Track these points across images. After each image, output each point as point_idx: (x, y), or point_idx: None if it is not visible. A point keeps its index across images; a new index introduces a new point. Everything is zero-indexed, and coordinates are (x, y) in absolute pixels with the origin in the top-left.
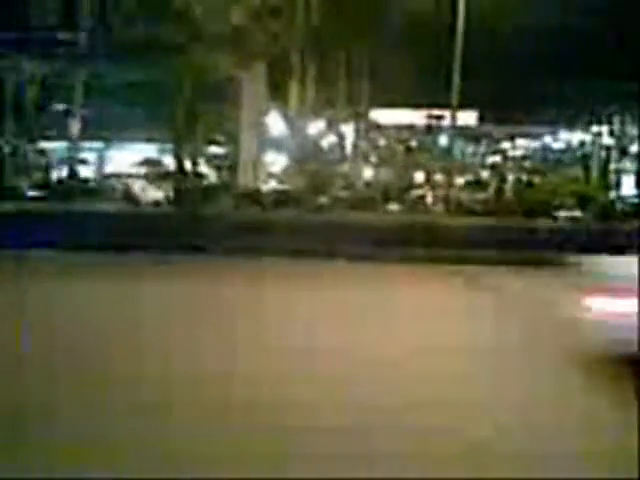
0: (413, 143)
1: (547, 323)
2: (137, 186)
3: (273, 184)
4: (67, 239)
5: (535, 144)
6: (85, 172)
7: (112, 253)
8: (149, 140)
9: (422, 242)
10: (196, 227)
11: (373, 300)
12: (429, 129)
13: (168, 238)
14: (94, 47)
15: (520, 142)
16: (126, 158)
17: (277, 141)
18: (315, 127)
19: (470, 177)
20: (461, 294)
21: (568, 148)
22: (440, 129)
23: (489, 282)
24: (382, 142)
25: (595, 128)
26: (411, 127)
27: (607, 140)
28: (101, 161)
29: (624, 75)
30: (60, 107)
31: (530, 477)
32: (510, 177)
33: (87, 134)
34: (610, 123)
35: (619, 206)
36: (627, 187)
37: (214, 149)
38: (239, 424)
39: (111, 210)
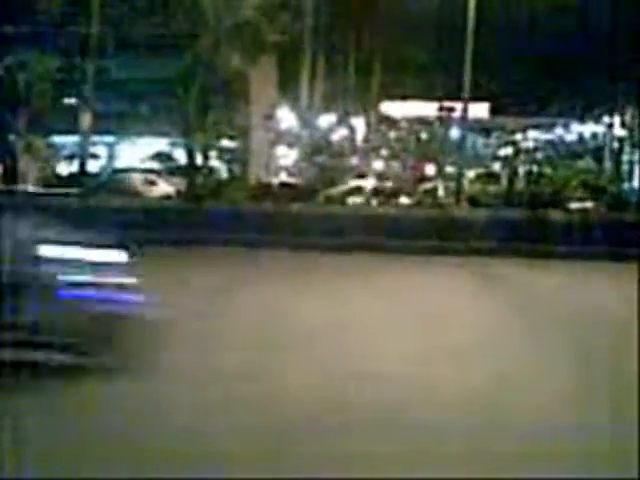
0: (424, 135)
1: None
2: (147, 180)
3: (283, 177)
4: None
5: (547, 136)
6: (95, 166)
7: None
8: (160, 134)
9: (434, 234)
10: (206, 220)
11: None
12: (441, 121)
13: (179, 231)
14: (105, 42)
15: (532, 134)
16: (137, 152)
17: (288, 134)
18: (326, 120)
19: (482, 169)
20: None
21: (580, 140)
22: (452, 121)
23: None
24: (393, 135)
25: (607, 119)
26: (423, 120)
27: (619, 131)
28: (112, 155)
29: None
30: (71, 101)
31: (529, 476)
32: (522, 169)
33: (98, 128)
34: (622, 115)
35: (632, 197)
36: None
37: (225, 143)
38: None
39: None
